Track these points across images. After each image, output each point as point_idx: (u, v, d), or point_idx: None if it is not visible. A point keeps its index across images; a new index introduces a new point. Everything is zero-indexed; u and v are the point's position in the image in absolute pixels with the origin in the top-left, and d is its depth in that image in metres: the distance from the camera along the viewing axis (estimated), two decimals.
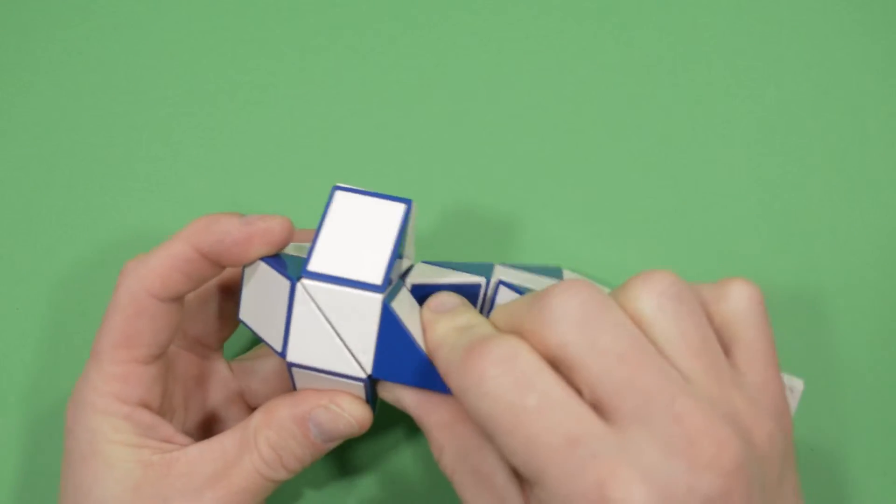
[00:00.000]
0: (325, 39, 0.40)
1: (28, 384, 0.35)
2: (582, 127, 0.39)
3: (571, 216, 0.37)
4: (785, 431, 0.24)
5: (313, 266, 0.26)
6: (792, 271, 0.36)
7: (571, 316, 0.22)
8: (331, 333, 0.26)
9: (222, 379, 0.31)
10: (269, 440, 0.27)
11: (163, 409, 0.28)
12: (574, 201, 0.37)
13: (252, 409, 0.32)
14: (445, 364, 0.24)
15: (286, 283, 0.26)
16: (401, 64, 0.40)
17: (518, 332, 0.24)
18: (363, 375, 0.26)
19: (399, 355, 0.26)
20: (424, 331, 0.26)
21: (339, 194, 0.27)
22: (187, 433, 0.30)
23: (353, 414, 0.27)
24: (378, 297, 0.25)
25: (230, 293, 0.31)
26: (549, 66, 0.40)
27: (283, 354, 0.26)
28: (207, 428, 0.31)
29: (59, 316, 0.36)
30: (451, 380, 0.24)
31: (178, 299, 0.28)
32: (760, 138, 0.38)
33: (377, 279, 0.26)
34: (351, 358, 0.26)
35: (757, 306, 0.25)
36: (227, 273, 0.31)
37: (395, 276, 0.27)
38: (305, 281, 0.26)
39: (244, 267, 0.28)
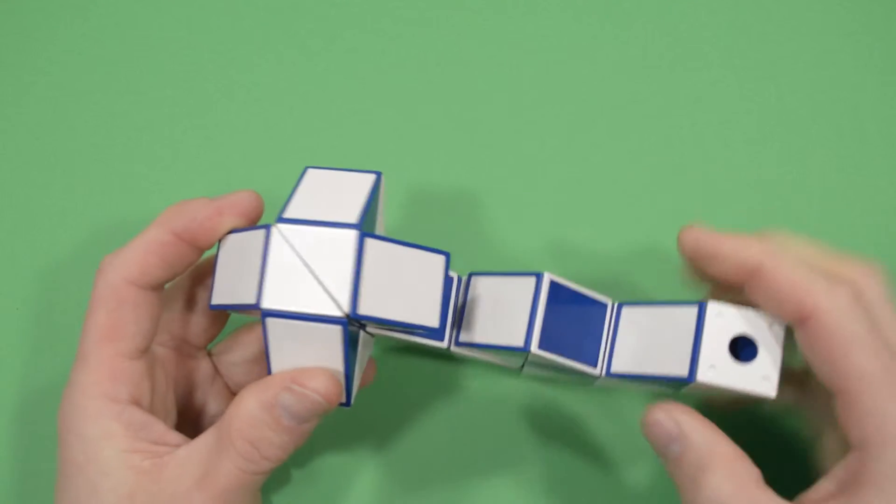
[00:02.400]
0: (324, 40, 0.40)
1: (26, 384, 0.35)
2: (580, 126, 0.39)
3: (573, 218, 0.37)
4: None
5: (289, 213, 0.26)
6: None
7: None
8: (306, 274, 0.25)
9: (209, 375, 0.31)
10: (243, 434, 0.26)
11: (153, 408, 0.28)
12: (574, 202, 0.37)
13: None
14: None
15: (260, 233, 0.26)
16: (400, 64, 0.40)
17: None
18: (340, 314, 0.25)
19: None
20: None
21: (310, 171, 0.28)
22: (179, 431, 0.29)
23: (317, 390, 0.26)
24: (354, 232, 0.25)
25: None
26: (547, 64, 0.40)
27: (257, 304, 0.25)
28: (198, 425, 0.31)
29: (58, 316, 0.36)
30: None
31: (157, 287, 0.28)
32: (760, 138, 0.38)
33: (353, 219, 0.26)
34: (327, 297, 0.25)
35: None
36: (207, 267, 0.30)
37: (372, 230, 0.28)
38: (281, 225, 0.26)
39: (217, 249, 0.28)
